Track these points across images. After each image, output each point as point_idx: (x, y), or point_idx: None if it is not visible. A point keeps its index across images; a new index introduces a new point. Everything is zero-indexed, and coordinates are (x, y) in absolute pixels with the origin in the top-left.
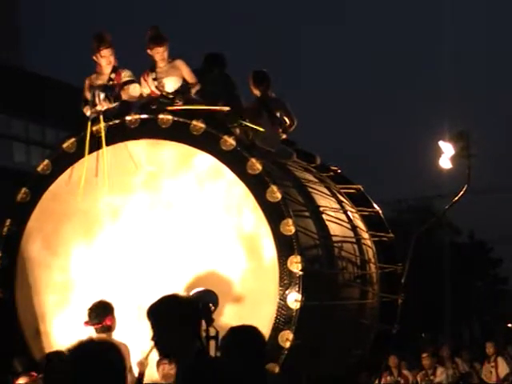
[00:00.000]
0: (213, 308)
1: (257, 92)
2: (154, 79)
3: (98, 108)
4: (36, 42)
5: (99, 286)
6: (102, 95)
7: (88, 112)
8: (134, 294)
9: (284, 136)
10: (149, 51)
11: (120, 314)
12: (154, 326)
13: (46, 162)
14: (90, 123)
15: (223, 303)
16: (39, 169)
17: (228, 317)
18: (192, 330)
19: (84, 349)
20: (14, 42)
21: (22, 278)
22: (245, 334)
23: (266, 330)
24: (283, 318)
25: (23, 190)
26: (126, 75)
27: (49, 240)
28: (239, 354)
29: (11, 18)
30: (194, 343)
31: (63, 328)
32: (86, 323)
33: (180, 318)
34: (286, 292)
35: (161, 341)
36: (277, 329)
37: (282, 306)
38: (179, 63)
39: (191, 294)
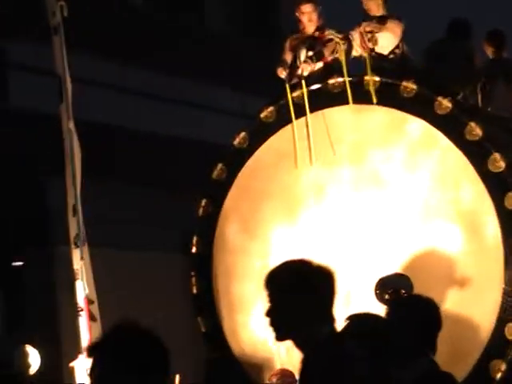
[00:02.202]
0: (405, 295)
1: (490, 52)
2: (369, 32)
3: (299, 71)
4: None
5: None
6: (303, 56)
7: (282, 74)
8: (341, 280)
9: None
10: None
11: None
12: (270, 298)
13: (243, 134)
14: (288, 88)
15: (439, 289)
16: (235, 142)
17: (444, 305)
18: (323, 308)
19: None
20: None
21: (219, 265)
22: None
23: (489, 320)
24: (511, 308)
25: (219, 166)
26: (329, 33)
27: (247, 221)
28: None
29: None
30: (322, 326)
31: (263, 319)
32: None
33: (306, 291)
34: None
35: (278, 318)
36: (503, 320)
37: (509, 293)
38: (397, 21)
39: (380, 278)
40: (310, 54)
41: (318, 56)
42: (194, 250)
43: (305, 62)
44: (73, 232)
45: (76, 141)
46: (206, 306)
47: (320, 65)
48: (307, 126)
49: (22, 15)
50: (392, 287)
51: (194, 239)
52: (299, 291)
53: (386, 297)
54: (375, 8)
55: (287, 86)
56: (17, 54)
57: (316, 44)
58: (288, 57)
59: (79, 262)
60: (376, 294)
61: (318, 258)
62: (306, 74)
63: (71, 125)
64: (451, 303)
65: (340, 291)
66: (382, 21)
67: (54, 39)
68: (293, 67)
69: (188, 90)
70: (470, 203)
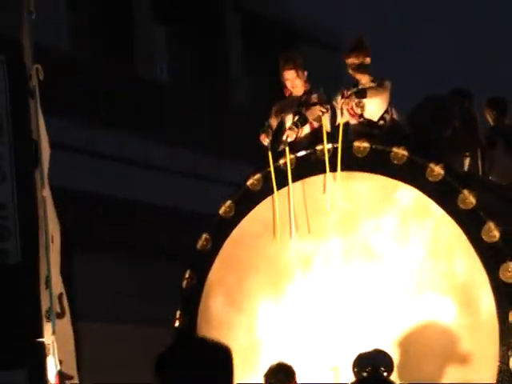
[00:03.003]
0: (385, 374)
1: (491, 119)
2: (356, 97)
3: (284, 137)
4: None
5: (287, 347)
6: (289, 122)
7: (265, 141)
8: (326, 354)
9: None
10: (346, 61)
11: (311, 377)
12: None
13: (229, 202)
14: (271, 154)
15: (433, 364)
16: (221, 211)
17: (439, 381)
18: None
19: None
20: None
21: None
22: None
23: None
24: None
25: (203, 236)
26: (315, 97)
27: (232, 294)
28: None
29: None
30: None
31: None
32: None
33: (200, 372)
34: (510, 354)
35: None
36: None
37: (505, 372)
38: (387, 84)
39: (358, 355)
40: (296, 119)
41: (303, 121)
42: (177, 323)
43: (290, 128)
44: (44, 305)
45: (52, 209)
46: None
47: (307, 130)
48: (290, 195)
49: None
50: (370, 365)
51: (178, 313)
52: (190, 373)
53: (364, 375)
54: (364, 78)
55: (269, 153)
56: None
57: (302, 109)
58: (273, 122)
59: (50, 336)
60: (354, 372)
61: (305, 334)
62: (290, 140)
63: (45, 192)
64: (446, 379)
65: (328, 367)
66: (371, 86)
67: (31, 103)
68: (278, 133)
69: (195, 162)
70: (464, 275)
